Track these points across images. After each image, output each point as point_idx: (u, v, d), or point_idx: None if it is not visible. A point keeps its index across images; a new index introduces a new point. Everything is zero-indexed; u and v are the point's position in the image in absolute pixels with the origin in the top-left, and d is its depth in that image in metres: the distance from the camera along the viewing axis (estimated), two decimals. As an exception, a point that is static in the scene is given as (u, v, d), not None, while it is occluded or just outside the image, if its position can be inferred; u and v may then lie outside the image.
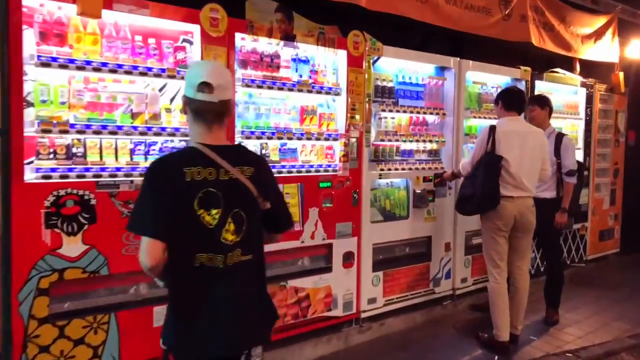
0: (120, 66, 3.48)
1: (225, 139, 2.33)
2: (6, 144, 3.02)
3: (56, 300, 3.34)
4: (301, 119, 4.56)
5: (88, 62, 3.36)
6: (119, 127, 3.51)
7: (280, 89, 4.31)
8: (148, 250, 2.10)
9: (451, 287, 5.78)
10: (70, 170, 3.34)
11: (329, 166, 4.67)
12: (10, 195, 3.12)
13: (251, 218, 2.26)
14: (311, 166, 4.54)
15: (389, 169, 5.14)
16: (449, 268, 5.74)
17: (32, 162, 3.27)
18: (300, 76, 4.49)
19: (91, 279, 3.44)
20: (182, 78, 3.73)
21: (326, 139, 4.64)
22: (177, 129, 3.76)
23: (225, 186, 2.19)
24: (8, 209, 3.11)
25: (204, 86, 2.18)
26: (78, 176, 3.35)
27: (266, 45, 4.29)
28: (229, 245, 2.20)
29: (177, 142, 3.84)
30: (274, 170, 4.01)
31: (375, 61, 4.97)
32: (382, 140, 5.13)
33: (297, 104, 4.59)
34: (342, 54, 4.71)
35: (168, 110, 3.78)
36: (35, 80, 3.28)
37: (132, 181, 3.53)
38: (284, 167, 4.39)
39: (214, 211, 2.16)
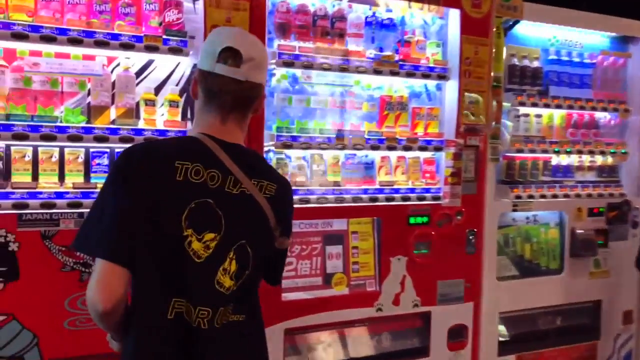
0: (64, 32, 2.18)
1: (241, 141, 1.62)
2: None
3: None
4: (381, 118, 2.94)
5: (6, 26, 2.11)
6: (61, 130, 2.20)
7: (344, 69, 2.74)
8: (101, 281, 1.39)
9: (634, 381, 3.79)
10: (-24, 197, 2.12)
11: (427, 191, 3.01)
12: None
13: (257, 259, 1.54)
14: (396, 191, 2.92)
15: (531, 196, 3.34)
16: (629, 349, 3.78)
17: None
18: (381, 49, 2.88)
19: (13, 367, 2.19)
20: (171, 51, 2.37)
21: (423, 149, 2.99)
22: (161, 132, 2.38)
23: (231, 202, 1.50)
24: None
25: (229, 54, 1.51)
26: (-17, 203, 2.11)
27: (320, 1, 2.76)
28: (224, 295, 1.47)
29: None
30: (329, 196, 2.81)
31: (509, 27, 3.22)
32: (521, 150, 3.32)
33: (375, 93, 2.98)
34: (452, 16, 3.04)
35: (150, 104, 2.41)
36: None
37: (81, 214, 2.21)
38: (347, 192, 2.81)
39: (208, 236, 1.45)
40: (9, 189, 2.17)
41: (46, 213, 2.19)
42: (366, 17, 2.88)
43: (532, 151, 3.33)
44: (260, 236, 1.54)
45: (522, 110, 3.37)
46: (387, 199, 2.89)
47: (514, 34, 3.36)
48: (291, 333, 2.69)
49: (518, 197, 3.27)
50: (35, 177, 2.26)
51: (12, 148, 2.22)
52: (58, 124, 2.22)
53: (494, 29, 3.10)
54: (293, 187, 2.63)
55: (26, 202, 2.17)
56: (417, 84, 3.10)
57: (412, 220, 2.94)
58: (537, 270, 3.48)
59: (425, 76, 2.95)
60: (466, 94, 3.01)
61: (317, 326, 2.77)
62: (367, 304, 2.87)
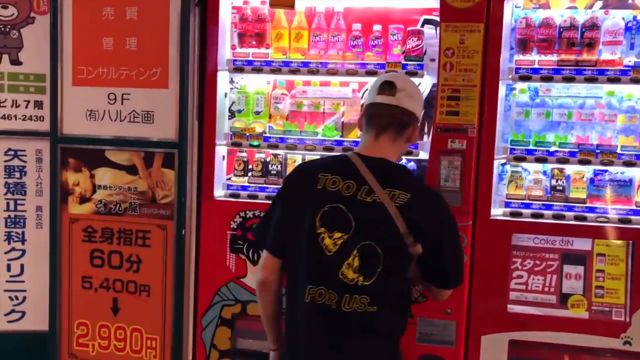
0: (324, 65, 2.77)
1: (390, 157, 1.90)
2: (183, 157, 2.82)
3: (239, 335, 2.96)
4: (643, 131, 2.63)
5: (286, 64, 2.80)
6: (320, 142, 2.80)
7: (591, 79, 2.57)
8: (262, 264, 1.96)
9: None
10: (262, 189, 2.88)
11: None
12: (200, 211, 2.93)
13: (390, 260, 1.78)
14: (657, 214, 2.57)
15: None
16: None
17: (230, 178, 3.00)
18: (644, 56, 2.58)
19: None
20: (409, 74, 2.72)
21: (700, 167, 2.53)
22: (414, 146, 2.73)
23: (362, 208, 1.78)
24: (197, 226, 2.94)
25: (385, 86, 1.87)
26: (268, 197, 2.86)
27: (568, 11, 2.65)
28: (348, 285, 1.78)
29: (404, 163, 2.81)
30: (569, 213, 2.63)
31: None
32: None
33: (637, 104, 2.66)
34: None
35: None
36: (239, 88, 2.98)
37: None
38: (592, 210, 2.62)
39: (337, 234, 1.78)
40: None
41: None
42: (626, 23, 2.62)
43: None
44: (389, 241, 1.77)
45: None
46: (645, 222, 2.57)
47: None
48: (515, 345, 2.69)
49: None
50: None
51: (288, 155, 2.94)
52: (318, 137, 2.83)
53: None
54: (526, 201, 2.68)
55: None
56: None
57: (680, 249, 2.54)
58: None
59: None
60: None
61: (545, 344, 2.68)
62: (610, 334, 2.61)
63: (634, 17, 2.61)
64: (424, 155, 2.72)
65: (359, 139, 2.75)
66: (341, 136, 2.85)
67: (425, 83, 2.83)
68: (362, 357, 1.85)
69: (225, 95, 2.99)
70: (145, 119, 2.82)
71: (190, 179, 2.88)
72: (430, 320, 2.67)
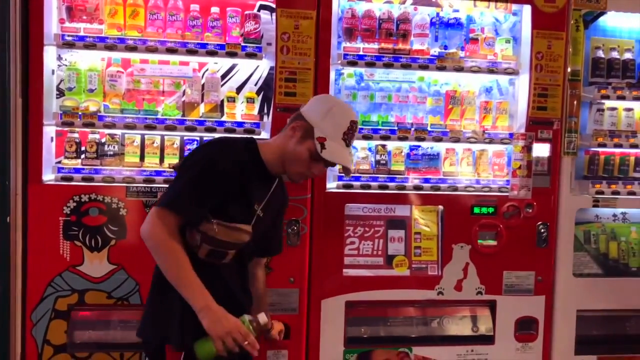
0: (163, 43, 2.75)
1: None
2: (5, 139, 2.58)
3: (76, 327, 2.79)
4: (446, 111, 3.09)
5: (122, 40, 2.73)
6: (160, 121, 2.77)
7: (406, 66, 2.96)
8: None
9: None
10: (97, 172, 2.76)
11: (494, 183, 3.07)
12: (27, 197, 2.70)
13: None
14: (459, 182, 3.04)
15: (616, 193, 3.18)
16: None
17: (60, 161, 2.82)
18: (445, 47, 3.04)
19: (118, 307, 2.79)
20: (248, 56, 2.82)
21: (489, 142, 3.06)
22: (239, 124, 2.84)
23: None
24: (24, 213, 2.70)
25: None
26: (104, 180, 2.74)
27: (386, 5, 3.02)
28: None
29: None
30: (391, 183, 2.90)
31: (593, 19, 3.14)
32: (603, 145, 3.18)
33: (442, 89, 3.14)
34: (526, 12, 3.07)
35: (231, 100, 2.89)
36: (69, 64, 2.81)
37: (173, 189, 2.75)
38: (408, 180, 3.01)
39: None
40: (121, 167, 2.81)
41: (148, 187, 2.76)
42: (431, 19, 3.07)
43: (619, 146, 3.18)
44: None
45: (608, 103, 3.24)
46: (451, 189, 3.03)
47: (601, 26, 3.27)
48: (352, 306, 2.97)
49: (600, 192, 3.16)
50: (141, 158, 2.86)
51: (125, 135, 2.85)
52: (159, 116, 2.80)
53: (572, 22, 3.08)
54: (356, 174, 2.96)
55: (133, 177, 2.77)
56: (487, 79, 3.18)
57: (476, 210, 3.04)
58: (625, 270, 3.29)
59: (491, 71, 3.03)
60: (538, 87, 3.04)
61: (376, 302, 3.01)
62: (427, 287, 3.03)
63: (437, 14, 3.07)
64: (265, 134, 2.86)
65: (201, 118, 2.82)
66: (182, 115, 2.85)
67: (263, 66, 2.98)
68: None
69: (53, 72, 2.80)
70: (-43, 95, 2.52)
71: (14, 162, 2.63)
72: (277, 290, 2.82)
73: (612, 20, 3.27)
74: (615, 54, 3.25)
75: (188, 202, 1.99)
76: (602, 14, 3.14)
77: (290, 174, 2.16)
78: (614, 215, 3.31)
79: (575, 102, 3.09)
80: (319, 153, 2.03)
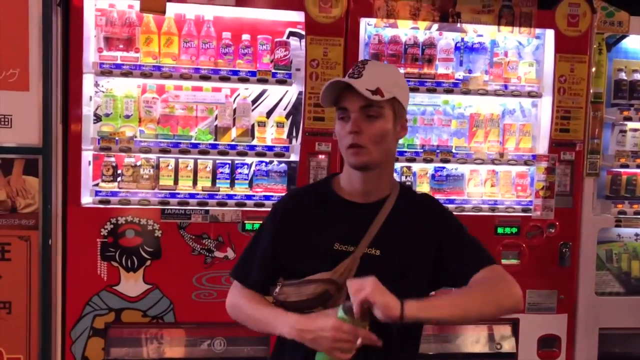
0: (197, 70, 2.85)
1: None
2: (48, 163, 2.69)
3: (112, 344, 2.90)
4: (470, 134, 3.16)
5: (158, 68, 2.83)
6: (194, 145, 2.87)
7: (432, 90, 3.03)
8: None
9: None
10: (133, 195, 2.86)
11: (518, 203, 3.14)
12: (66, 220, 2.81)
13: None
14: (484, 202, 3.11)
15: (638, 213, 3.22)
16: None
17: (97, 184, 2.93)
18: (470, 72, 3.10)
19: (153, 325, 2.89)
20: (279, 82, 2.90)
21: (513, 163, 3.12)
22: (269, 148, 2.92)
23: None
24: (64, 235, 2.81)
25: None
26: (140, 202, 2.85)
27: (412, 31, 3.09)
28: None
29: (276, 165, 3.01)
30: None
31: (615, 42, 3.20)
32: (626, 165, 3.23)
33: (466, 112, 3.21)
34: (547, 36, 3.12)
35: (261, 125, 2.98)
36: (106, 91, 2.92)
37: (207, 211, 2.85)
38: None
39: None
40: (157, 190, 2.91)
41: (182, 209, 2.86)
42: (456, 43, 3.14)
43: (642, 166, 3.24)
44: None
45: (631, 125, 3.29)
46: (475, 209, 3.10)
47: (623, 48, 3.32)
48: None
49: (622, 212, 3.21)
50: (175, 181, 2.96)
51: (160, 159, 2.96)
52: (192, 141, 2.90)
53: (595, 46, 3.13)
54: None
55: (168, 200, 2.88)
56: (511, 102, 3.25)
57: (500, 230, 3.10)
58: (648, 289, 3.34)
59: (515, 95, 3.09)
60: (561, 109, 3.09)
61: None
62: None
63: (462, 39, 3.14)
64: (294, 157, 2.94)
65: (233, 142, 2.91)
66: (215, 140, 2.95)
67: (292, 91, 3.07)
68: None
69: (90, 98, 2.91)
70: (3, 123, 2.63)
71: (55, 186, 2.74)
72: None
73: (634, 42, 3.32)
74: (637, 76, 3.30)
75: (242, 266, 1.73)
76: (624, 36, 3.19)
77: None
78: (636, 235, 3.35)
79: (597, 124, 3.15)
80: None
